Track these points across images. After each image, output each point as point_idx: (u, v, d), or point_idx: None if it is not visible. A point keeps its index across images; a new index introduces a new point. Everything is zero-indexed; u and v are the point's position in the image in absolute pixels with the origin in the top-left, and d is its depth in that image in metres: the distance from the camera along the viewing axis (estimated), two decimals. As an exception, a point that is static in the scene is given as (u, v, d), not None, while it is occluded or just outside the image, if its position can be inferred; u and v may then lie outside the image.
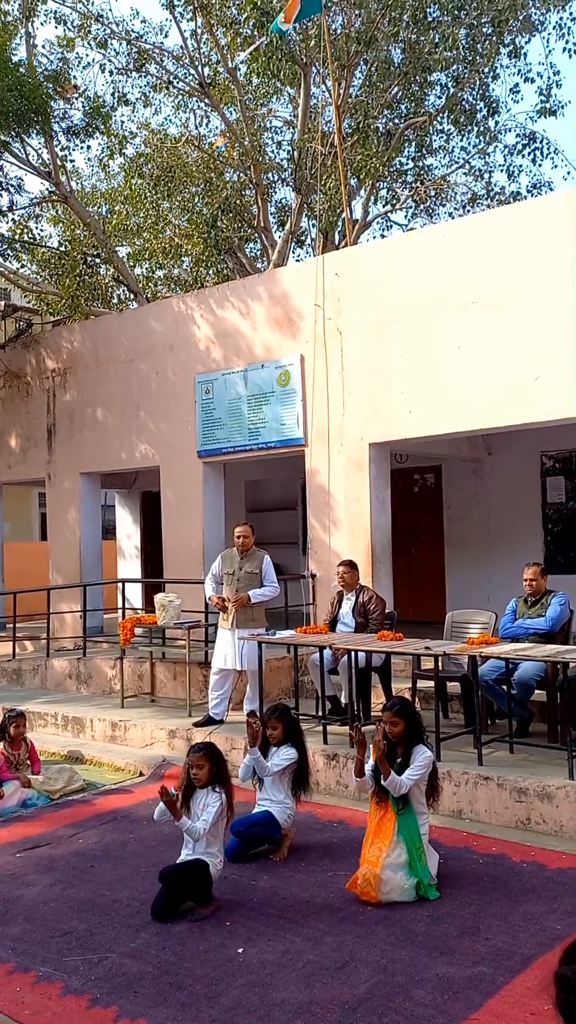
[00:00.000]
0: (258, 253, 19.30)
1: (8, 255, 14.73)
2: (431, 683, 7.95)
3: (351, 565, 8.71)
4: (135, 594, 16.36)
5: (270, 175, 18.10)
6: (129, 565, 17.63)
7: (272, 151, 18.84)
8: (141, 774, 8.38)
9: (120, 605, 13.20)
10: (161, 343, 12.80)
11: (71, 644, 13.02)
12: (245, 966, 4.52)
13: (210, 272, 19.64)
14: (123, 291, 19.74)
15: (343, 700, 8.30)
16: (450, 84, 16.97)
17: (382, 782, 5.26)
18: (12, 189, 13.89)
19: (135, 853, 6.28)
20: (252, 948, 4.72)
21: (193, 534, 12.25)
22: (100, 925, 5.10)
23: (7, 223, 17.32)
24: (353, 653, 7.73)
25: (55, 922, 5.17)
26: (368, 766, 5.45)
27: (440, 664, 7.36)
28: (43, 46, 15.80)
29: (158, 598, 10.29)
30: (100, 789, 8.00)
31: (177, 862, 5.37)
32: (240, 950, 4.70)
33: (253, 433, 11.59)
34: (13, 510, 20.43)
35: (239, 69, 16.77)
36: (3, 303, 19.38)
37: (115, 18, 16.94)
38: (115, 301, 19.98)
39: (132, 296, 18.74)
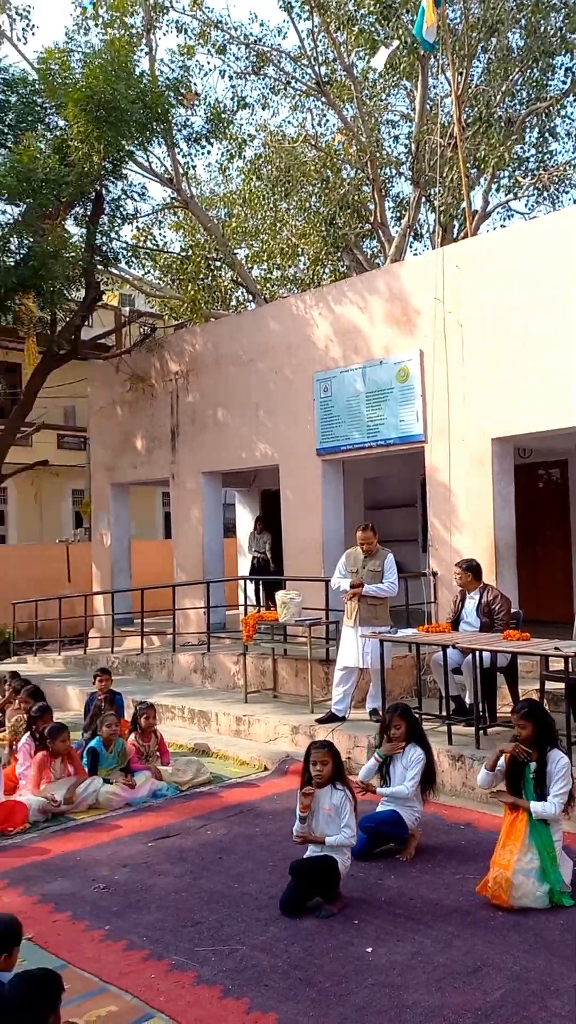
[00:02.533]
0: (375, 250, 19.20)
1: (132, 262, 15.16)
2: (561, 685, 7.70)
3: (467, 567, 8.49)
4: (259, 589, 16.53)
5: (387, 170, 17.98)
6: (249, 563, 17.86)
7: (389, 146, 18.73)
8: (266, 768, 8.48)
9: (242, 602, 13.38)
10: (279, 343, 12.91)
11: (195, 640, 13.31)
12: (374, 966, 4.51)
13: (326, 271, 19.68)
14: (242, 293, 20.04)
15: (467, 700, 8.16)
16: (574, 67, 16.40)
17: (533, 813, 5.11)
18: (136, 197, 14.30)
19: (262, 847, 6.36)
20: (381, 948, 4.70)
21: (312, 532, 12.30)
22: (230, 917, 5.20)
23: (131, 231, 17.89)
24: (478, 653, 7.58)
25: (186, 912, 5.30)
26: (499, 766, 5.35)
27: (571, 666, 7.13)
28: (165, 58, 16.20)
29: (279, 595, 10.38)
30: (226, 782, 8.14)
31: (305, 856, 5.41)
32: (369, 949, 4.69)
33: (372, 430, 11.54)
34: (138, 509, 21.05)
35: (356, 66, 16.74)
36: (128, 309, 20.00)
37: (233, 23, 17.16)
38: (234, 303, 20.31)
39: (251, 297, 18.99)
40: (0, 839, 6.85)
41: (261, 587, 15.04)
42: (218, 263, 18.26)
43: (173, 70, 13.92)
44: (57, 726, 7.82)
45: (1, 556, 17.56)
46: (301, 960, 4.61)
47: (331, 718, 8.79)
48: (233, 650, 11.84)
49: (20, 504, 24.34)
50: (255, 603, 14.59)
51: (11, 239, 12.99)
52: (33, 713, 8.40)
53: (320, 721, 8.84)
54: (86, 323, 15.54)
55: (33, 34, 16.08)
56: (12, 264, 12.63)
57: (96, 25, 15.07)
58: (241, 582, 13.85)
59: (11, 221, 13.11)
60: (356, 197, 16.88)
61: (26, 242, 12.73)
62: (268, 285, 20.29)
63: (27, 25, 15.37)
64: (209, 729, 9.99)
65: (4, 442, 14.74)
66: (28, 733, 8.26)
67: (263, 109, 18.38)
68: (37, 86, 13.46)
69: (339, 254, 18.42)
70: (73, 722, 9.19)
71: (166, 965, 4.64)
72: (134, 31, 15.00)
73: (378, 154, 16.78)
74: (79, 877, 5.97)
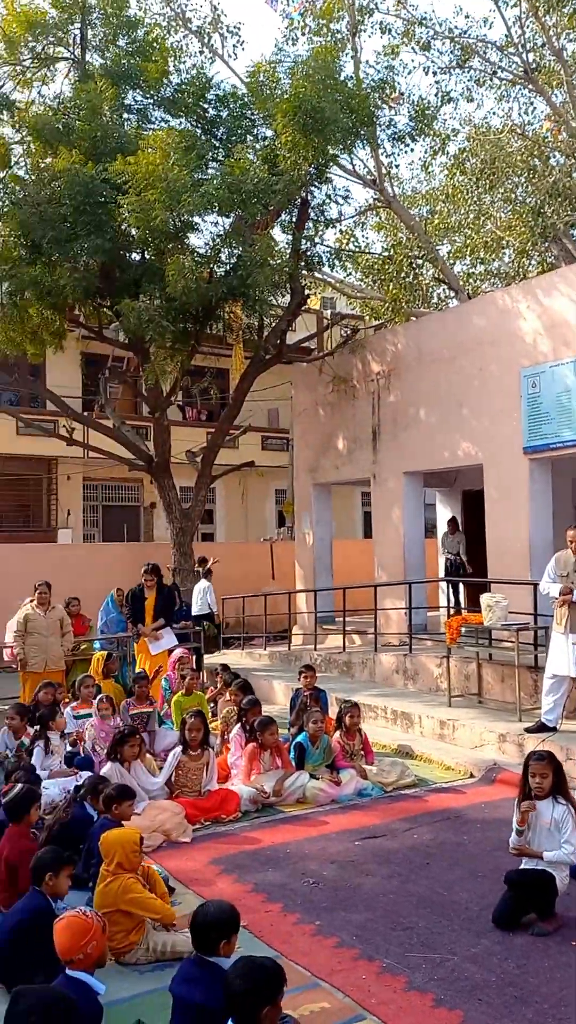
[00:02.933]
0: (586, 238, 18.31)
1: (335, 265, 15.36)
2: None
3: None
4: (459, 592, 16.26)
5: (600, 153, 17.07)
6: (442, 564, 17.58)
7: (602, 128, 17.76)
8: (471, 775, 8.31)
9: (444, 604, 13.18)
10: (484, 339, 12.61)
11: (396, 640, 13.28)
12: (595, 992, 4.29)
13: (533, 262, 19.01)
14: (443, 290, 19.76)
15: None
16: None
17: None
18: (340, 200, 14.47)
19: (471, 855, 6.23)
20: (602, 974, 4.47)
21: (518, 534, 11.91)
22: (440, 924, 5.13)
23: (334, 234, 18.13)
24: None
25: (396, 915, 5.28)
26: None
27: None
28: (370, 59, 16.25)
29: (484, 598, 10.14)
30: (431, 786, 8.05)
31: (520, 868, 5.24)
32: (588, 974, 4.47)
33: (585, 428, 11.00)
34: (338, 509, 21.29)
35: (565, 49, 16.05)
36: (330, 312, 20.27)
37: (438, 19, 16.96)
38: (435, 301, 20.06)
39: (453, 294, 18.69)
40: (214, 825, 7.14)
41: (461, 589, 14.78)
42: (420, 261, 18.11)
43: (378, 71, 13.95)
44: (266, 719, 8.05)
45: (209, 553, 18.29)
46: (515, 977, 4.47)
47: (541, 728, 8.47)
48: (435, 652, 11.71)
49: (227, 503, 25.33)
50: (453, 605, 14.36)
51: (222, 250, 13.53)
52: (243, 706, 8.70)
53: (529, 730, 8.54)
54: (290, 327, 15.90)
55: (243, 50, 16.77)
56: (222, 274, 13.15)
57: (303, 34, 15.39)
58: (442, 583, 13.65)
59: (221, 232, 13.65)
60: (566, 184, 16.17)
61: (235, 252, 13.22)
62: (471, 280, 19.89)
63: (237, 42, 15.96)
64: (412, 731, 9.93)
65: (214, 444, 15.38)
66: (239, 725, 8.56)
67: (468, 102, 18.08)
68: (247, 100, 13.93)
69: (547, 244, 17.73)
70: (278, 716, 9.42)
71: (377, 967, 4.65)
72: (339, 36, 15.17)
73: (590, 138, 16.00)
74: (289, 869, 6.11)
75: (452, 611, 14.36)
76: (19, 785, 5.56)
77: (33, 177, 13.75)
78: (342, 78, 12.97)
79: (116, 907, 4.77)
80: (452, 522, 15.75)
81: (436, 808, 7.39)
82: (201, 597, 14.66)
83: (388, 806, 7.51)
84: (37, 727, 7.90)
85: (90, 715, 8.64)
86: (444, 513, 17.65)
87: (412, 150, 19.52)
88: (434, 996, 4.32)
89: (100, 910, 4.71)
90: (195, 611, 14.32)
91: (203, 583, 14.90)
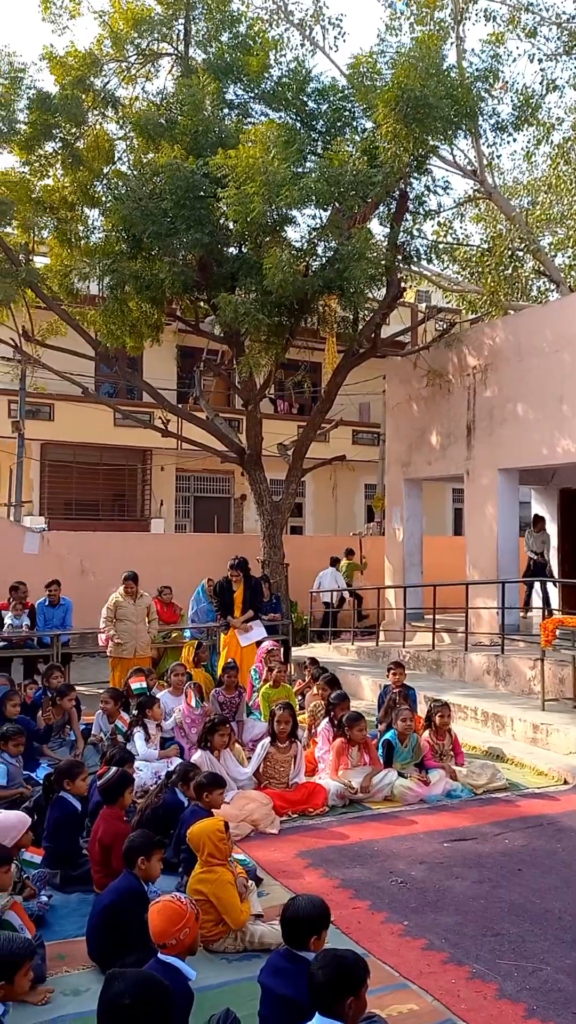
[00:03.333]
0: None
1: (433, 258, 15.12)
2: None
3: None
4: (553, 594, 15.87)
5: None
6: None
7: None
8: (566, 782, 8.10)
9: (540, 605, 12.87)
10: (588, 333, 12.23)
11: (487, 640, 13.04)
12: None
13: None
14: (544, 283, 19.27)
15: None
16: None
17: None
18: (439, 192, 14.21)
19: (564, 863, 6.07)
20: None
21: (620, 535, 11.53)
22: (532, 933, 5.01)
23: (432, 226, 17.87)
24: None
25: (486, 920, 5.18)
26: None
27: None
28: (475, 48, 15.93)
29: (582, 601, 9.85)
30: (523, 791, 7.88)
31: None
32: None
33: None
34: (428, 505, 21.00)
35: None
36: (425, 305, 20.01)
37: (544, 5, 16.50)
38: (534, 293, 19.58)
39: (553, 287, 18.20)
40: (301, 818, 7.16)
41: (552, 590, 14.41)
42: (520, 253, 17.69)
43: (482, 60, 13.64)
44: (355, 715, 8.02)
45: (299, 546, 18.33)
46: (613, 993, 4.33)
47: None
48: (528, 654, 11.44)
49: (317, 497, 25.33)
50: (541, 606, 14.03)
51: (318, 243, 13.49)
52: (332, 700, 8.69)
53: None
54: (385, 321, 15.75)
55: (344, 41, 16.71)
56: (318, 267, 13.11)
57: (407, 23, 15.18)
58: (539, 584, 13.32)
59: (318, 225, 13.60)
60: None
61: (332, 245, 13.15)
62: (572, 273, 19.31)
63: (339, 34, 15.86)
64: (503, 734, 9.73)
65: (306, 437, 15.38)
66: (327, 719, 8.54)
67: (574, 90, 17.50)
68: (347, 92, 13.84)
69: None
70: (365, 712, 9.34)
71: (466, 972, 4.58)
72: (443, 25, 14.92)
73: None
74: (377, 867, 6.07)
75: (544, 612, 14.03)
76: (114, 769, 5.67)
77: (135, 172, 14.00)
78: (445, 67, 12.73)
79: (208, 897, 4.82)
80: (538, 520, 15.37)
81: (528, 814, 7.22)
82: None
83: (478, 809, 7.38)
84: (135, 713, 8.04)
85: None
86: (540, 511, 17.25)
87: (515, 140, 19.14)
88: (526, 1006, 4.23)
89: (194, 897, 4.79)
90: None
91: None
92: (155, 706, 8.16)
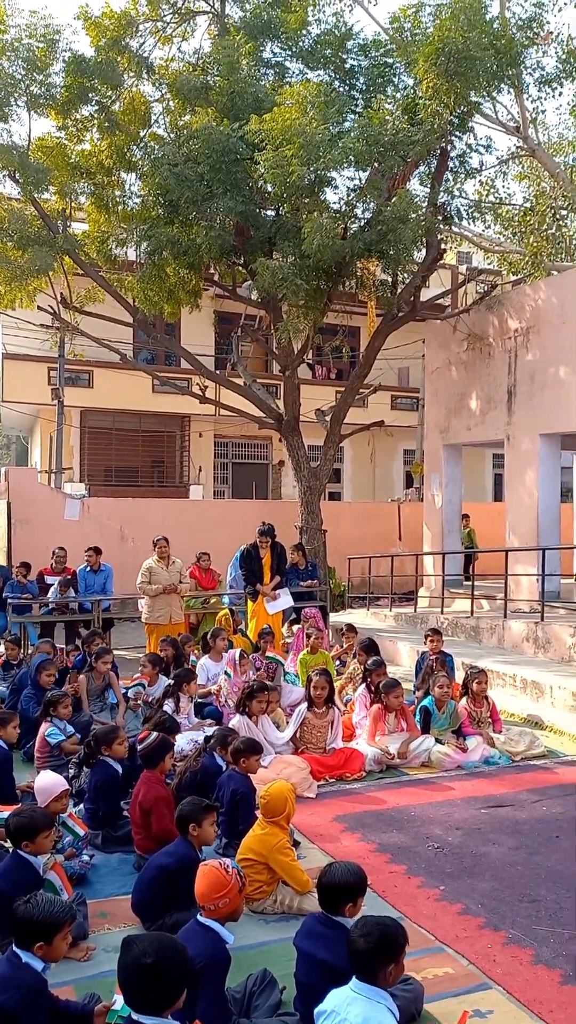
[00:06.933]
0: None
1: (475, 218, 14.80)
2: None
3: None
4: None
5: None
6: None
7: None
8: (605, 750, 8.06)
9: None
10: None
11: (527, 607, 12.95)
12: None
13: None
14: (589, 242, 18.79)
15: None
16: None
17: None
18: (481, 150, 13.86)
19: (603, 833, 6.05)
20: None
21: None
22: (568, 900, 5.01)
23: (474, 185, 17.47)
24: None
25: (522, 887, 5.20)
26: None
27: None
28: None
29: (625, 568, 9.72)
30: (562, 759, 7.85)
31: None
32: None
33: None
34: (468, 471, 20.80)
35: None
36: (466, 267, 19.65)
37: (591, -52, 15.82)
38: (580, 254, 19.12)
39: (599, 246, 17.77)
40: (338, 783, 7.22)
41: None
42: (564, 212, 17.25)
43: (525, 9, 13.21)
44: (392, 681, 8.03)
45: (337, 512, 18.31)
46: None
47: None
48: (569, 621, 11.35)
49: (355, 463, 25.23)
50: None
51: (357, 205, 13.27)
52: (368, 666, 8.70)
53: None
54: (424, 284, 15.51)
55: (383, -6, 16.14)
56: (358, 229, 12.91)
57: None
58: (578, 551, 13.16)
59: (357, 187, 13.37)
60: None
61: (370, 206, 12.93)
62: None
63: (377, -14, 15.38)
64: (542, 701, 9.68)
65: (344, 403, 15.27)
66: (364, 685, 8.57)
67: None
68: (387, 47, 13.51)
69: None
70: (403, 678, 9.37)
71: (502, 937, 4.60)
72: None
73: None
74: (413, 832, 6.11)
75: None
76: (154, 734, 5.75)
77: (172, 136, 13.84)
78: (488, 19, 12.35)
79: (266, 860, 4.90)
80: None
81: (567, 781, 7.20)
82: None
83: (516, 776, 7.38)
84: (171, 684, 8.12)
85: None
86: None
87: (560, 94, 18.44)
88: (562, 972, 4.24)
89: (250, 855, 4.88)
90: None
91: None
92: (192, 680, 8.22)
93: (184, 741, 7.34)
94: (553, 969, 4.28)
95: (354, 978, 3.23)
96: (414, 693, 9.11)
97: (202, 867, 3.81)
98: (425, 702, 8.19)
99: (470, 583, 13.87)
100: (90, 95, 13.80)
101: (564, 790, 6.96)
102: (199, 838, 4.61)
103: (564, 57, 13.56)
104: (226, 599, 12.70)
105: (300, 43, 14.03)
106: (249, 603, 11.31)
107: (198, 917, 3.73)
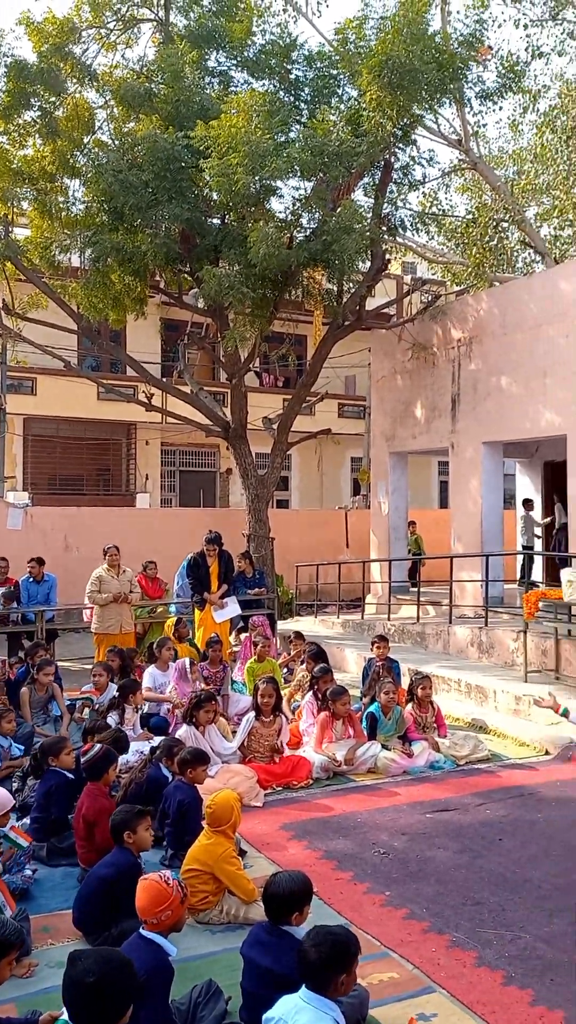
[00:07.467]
0: None
1: (418, 229, 15.00)
2: None
3: None
4: (537, 567, 15.97)
5: None
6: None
7: None
8: (547, 753, 8.20)
9: (521, 577, 12.94)
10: (571, 305, 12.19)
11: (471, 612, 13.13)
12: None
13: (624, 225, 18.27)
14: (529, 254, 19.17)
15: None
16: None
17: None
18: (424, 163, 14.07)
19: (544, 834, 6.15)
20: None
21: (603, 507, 11.59)
22: (511, 902, 5.09)
23: (417, 197, 17.69)
24: None
25: (467, 890, 5.26)
26: None
27: None
28: (459, 13, 15.70)
29: (566, 573, 9.92)
30: (505, 762, 7.97)
31: None
32: None
33: None
34: (414, 478, 21.03)
35: None
36: (410, 277, 19.89)
37: (530, -32, 16.22)
38: (520, 265, 19.48)
39: (539, 258, 18.11)
40: (285, 791, 7.22)
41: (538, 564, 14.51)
42: (505, 224, 17.57)
43: (466, 25, 13.46)
44: (339, 688, 8.06)
45: (285, 520, 18.34)
46: (589, 960, 4.41)
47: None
48: (512, 626, 11.53)
49: (302, 471, 25.31)
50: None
51: (303, 214, 13.35)
52: (316, 674, 8.73)
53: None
54: (369, 293, 15.65)
55: (327, 7, 16.27)
56: (303, 239, 12.98)
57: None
58: (522, 557, 13.39)
59: (303, 196, 13.45)
60: None
61: (316, 216, 13.02)
62: (558, 244, 19.21)
63: (321, -1, 15.57)
64: (486, 706, 9.82)
65: (291, 411, 15.32)
66: (311, 692, 8.59)
67: (559, 56, 17.31)
68: (332, 59, 13.64)
69: None
70: (350, 685, 9.42)
71: (447, 940, 4.65)
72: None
73: None
74: (359, 839, 6.14)
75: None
76: (98, 745, 5.69)
77: (116, 143, 13.77)
78: (430, 32, 12.55)
79: (212, 870, 4.88)
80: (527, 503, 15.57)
81: (510, 784, 7.31)
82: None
83: (460, 780, 7.47)
84: (116, 696, 8.04)
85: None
86: (525, 484, 17.31)
87: (500, 108, 18.85)
88: (504, 973, 4.30)
89: (196, 865, 4.85)
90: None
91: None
92: (137, 692, 8.16)
93: (129, 752, 7.27)
94: (496, 970, 4.33)
95: (304, 987, 3.23)
96: (361, 700, 9.14)
97: (141, 882, 3.77)
98: (371, 708, 8.23)
99: (416, 589, 14.02)
100: (32, 100, 13.67)
101: (507, 793, 7.07)
102: (136, 844, 4.60)
103: (504, 72, 13.83)
104: (173, 608, 12.63)
105: (245, 53, 14.08)
106: (196, 612, 11.24)
107: (140, 931, 3.70)
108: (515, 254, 19.11)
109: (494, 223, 17.31)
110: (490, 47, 13.80)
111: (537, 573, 15.84)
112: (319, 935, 3.25)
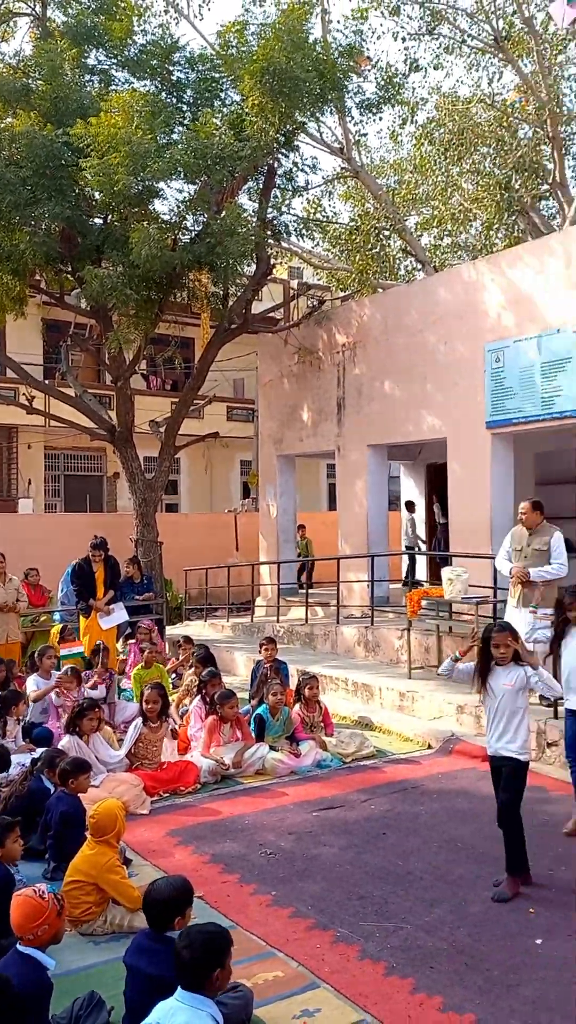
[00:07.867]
0: (553, 211, 18.31)
1: (303, 235, 15.17)
2: None
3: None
4: (420, 566, 16.39)
5: (569, 127, 17.03)
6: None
7: (571, 101, 17.75)
8: (429, 746, 8.42)
9: (406, 577, 13.24)
10: (450, 312, 12.58)
11: (359, 612, 13.35)
12: (545, 959, 4.38)
13: (499, 236, 18.96)
14: (411, 262, 19.67)
15: None
16: None
17: None
18: (307, 170, 14.27)
19: (427, 826, 6.31)
20: (552, 941, 4.57)
21: (481, 508, 11.97)
22: (394, 895, 5.20)
23: (301, 203, 17.89)
24: None
25: (351, 885, 5.34)
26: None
27: None
28: (339, 24, 15.97)
29: (446, 572, 10.21)
30: (390, 757, 8.14)
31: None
32: (539, 941, 4.57)
33: (547, 402, 11.05)
34: (302, 481, 21.25)
35: (535, 18, 15.91)
36: (296, 282, 20.09)
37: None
38: (402, 273, 19.97)
39: (420, 267, 18.60)
40: (173, 797, 7.16)
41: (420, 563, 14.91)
42: (387, 232, 17.97)
43: (346, 36, 13.72)
44: (226, 693, 8.05)
45: (173, 524, 18.22)
46: (467, 945, 4.55)
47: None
48: (397, 624, 11.79)
49: (191, 474, 25.19)
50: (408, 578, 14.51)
51: (187, 216, 13.29)
52: (203, 678, 8.69)
53: (487, 702, 8.63)
54: (256, 297, 15.73)
55: (209, 10, 16.37)
56: (188, 241, 12.93)
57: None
58: (406, 557, 13.71)
59: (187, 199, 13.40)
60: (534, 157, 16.11)
61: (201, 219, 12.99)
62: (438, 253, 19.80)
63: (203, 1, 15.56)
64: (372, 703, 10.01)
65: (179, 414, 15.22)
66: (199, 697, 8.56)
67: (436, 70, 17.88)
68: (214, 62, 13.64)
69: (514, 217, 17.69)
70: (240, 688, 9.44)
71: (331, 936, 4.71)
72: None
73: (558, 110, 15.91)
74: (247, 840, 6.15)
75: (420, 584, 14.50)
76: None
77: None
78: (311, 41, 12.72)
79: (95, 880, 4.79)
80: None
81: (394, 779, 7.47)
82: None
83: (346, 777, 7.58)
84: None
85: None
86: (409, 486, 17.73)
87: (380, 119, 19.26)
88: (386, 964, 4.39)
89: (79, 876, 4.75)
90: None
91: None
92: (20, 703, 7.94)
93: (11, 767, 7.06)
94: (378, 962, 4.42)
95: (179, 988, 3.22)
96: (249, 702, 9.18)
97: (16, 898, 3.66)
98: (259, 710, 8.27)
99: (305, 591, 14.16)
100: None
101: (391, 788, 7.22)
102: (4, 856, 4.48)
103: (383, 84, 14.15)
104: (57, 615, 12.34)
105: (126, 52, 13.90)
106: (82, 619, 11.00)
107: (17, 946, 3.60)
108: (397, 262, 19.57)
109: (376, 231, 17.67)
110: (369, 58, 14.10)
111: (422, 572, 16.27)
112: (190, 934, 3.26)
